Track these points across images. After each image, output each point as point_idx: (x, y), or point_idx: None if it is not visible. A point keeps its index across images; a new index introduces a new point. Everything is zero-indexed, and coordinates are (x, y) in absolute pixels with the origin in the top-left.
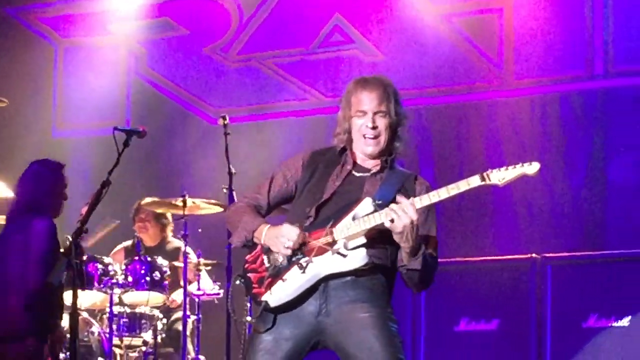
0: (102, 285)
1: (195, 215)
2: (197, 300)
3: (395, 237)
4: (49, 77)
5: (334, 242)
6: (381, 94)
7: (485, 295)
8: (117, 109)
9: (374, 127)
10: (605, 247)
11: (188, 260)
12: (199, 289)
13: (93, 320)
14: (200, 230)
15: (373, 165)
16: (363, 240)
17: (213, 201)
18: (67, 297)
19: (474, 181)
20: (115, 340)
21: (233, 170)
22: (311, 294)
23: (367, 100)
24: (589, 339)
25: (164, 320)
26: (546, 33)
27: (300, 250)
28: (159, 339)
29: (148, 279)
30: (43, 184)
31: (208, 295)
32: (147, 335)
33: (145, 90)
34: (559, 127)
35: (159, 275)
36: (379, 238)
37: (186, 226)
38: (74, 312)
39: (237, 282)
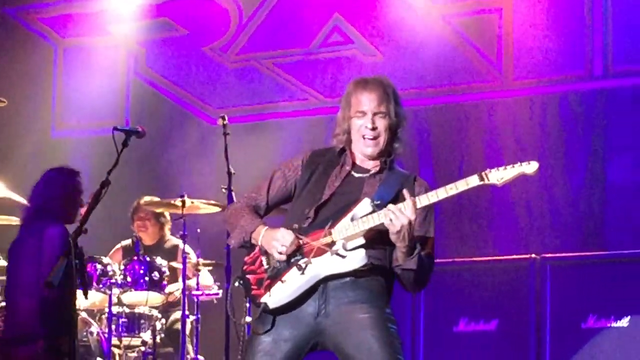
0: (101, 286)
1: (194, 215)
2: (196, 300)
3: (392, 237)
4: (48, 77)
5: (333, 243)
6: (381, 94)
7: (485, 296)
8: (116, 109)
9: (374, 128)
10: (605, 247)
11: (187, 260)
12: (198, 289)
13: (92, 321)
14: (199, 230)
15: (372, 166)
16: (362, 241)
17: (212, 201)
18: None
19: (473, 181)
20: (114, 341)
21: (232, 171)
22: (310, 295)
23: (367, 101)
24: (588, 340)
25: (163, 321)
26: (545, 33)
27: (299, 251)
28: (157, 339)
29: (147, 279)
30: (56, 190)
31: (207, 295)
32: (146, 336)
33: (145, 91)
34: (558, 127)
35: (157, 275)
36: (378, 239)
37: (185, 226)
38: (73, 311)
39: (236, 283)
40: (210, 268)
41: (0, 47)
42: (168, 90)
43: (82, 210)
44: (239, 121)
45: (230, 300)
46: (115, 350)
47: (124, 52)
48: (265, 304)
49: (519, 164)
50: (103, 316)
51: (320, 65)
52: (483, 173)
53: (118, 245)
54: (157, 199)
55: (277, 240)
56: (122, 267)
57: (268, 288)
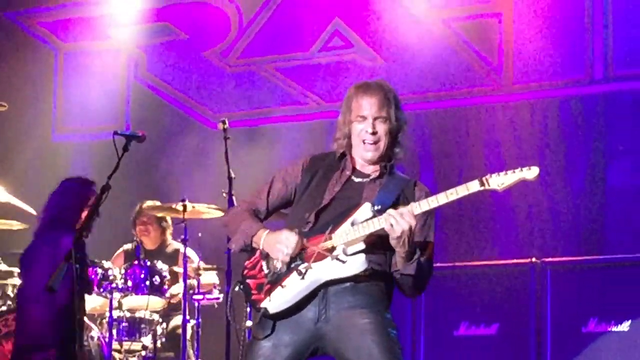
0: (101, 290)
1: (195, 219)
2: (196, 304)
3: (392, 242)
4: (49, 81)
5: (333, 247)
6: (382, 99)
7: (485, 300)
8: (116, 114)
9: (374, 133)
10: (605, 251)
11: (189, 264)
12: (199, 292)
13: (93, 325)
14: (200, 234)
15: (372, 170)
16: (362, 246)
17: (213, 206)
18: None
19: (473, 186)
20: (115, 345)
21: (233, 175)
22: (310, 300)
23: (368, 105)
24: (589, 344)
25: (164, 325)
26: (545, 37)
27: (300, 256)
28: (158, 343)
29: (148, 283)
30: (71, 199)
31: (208, 299)
32: (147, 340)
33: (145, 95)
34: (558, 131)
35: (158, 279)
36: (378, 244)
37: (186, 230)
38: (74, 316)
39: (237, 288)
40: (216, 272)
41: (0, 51)
42: (168, 95)
43: (83, 215)
44: (240, 125)
45: (231, 305)
46: (116, 355)
47: (125, 56)
48: (265, 308)
49: (519, 169)
50: (104, 320)
51: (321, 70)
52: (484, 178)
53: (120, 250)
54: (159, 203)
55: (280, 242)
56: (123, 271)
57: (268, 293)
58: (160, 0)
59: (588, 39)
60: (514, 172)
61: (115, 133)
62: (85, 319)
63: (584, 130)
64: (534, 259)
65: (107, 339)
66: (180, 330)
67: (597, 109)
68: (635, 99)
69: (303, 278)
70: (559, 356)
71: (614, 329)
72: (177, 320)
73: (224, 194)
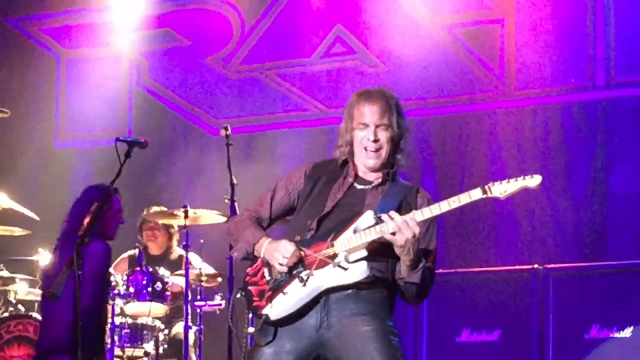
0: None
1: (197, 226)
2: (198, 311)
3: (397, 250)
4: (51, 87)
5: (335, 255)
6: (383, 106)
7: (487, 306)
8: (118, 120)
9: (376, 140)
10: (607, 257)
11: (191, 269)
12: (201, 299)
13: None
14: (202, 241)
15: (374, 177)
16: (364, 253)
17: (215, 212)
18: None
19: (476, 194)
20: (117, 351)
21: (235, 181)
22: (312, 307)
23: (369, 112)
24: (591, 350)
25: (166, 331)
26: (548, 43)
27: (301, 263)
28: (160, 350)
29: (150, 289)
30: (91, 206)
31: (210, 306)
32: (149, 346)
33: (147, 101)
34: (560, 137)
35: (160, 286)
36: (380, 251)
37: (188, 237)
38: (76, 322)
39: (238, 295)
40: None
41: (2, 58)
42: (170, 101)
43: (85, 221)
44: (242, 132)
45: (233, 312)
46: None
47: (126, 63)
48: (267, 315)
49: (522, 177)
50: (106, 327)
51: (323, 76)
52: (486, 186)
53: (124, 255)
54: (165, 209)
55: (278, 251)
56: (125, 277)
57: (270, 300)
58: (162, 7)
59: (590, 45)
60: (517, 180)
61: (117, 139)
62: None
63: (585, 136)
64: (536, 265)
65: (109, 346)
66: (182, 337)
67: (599, 115)
68: (636, 105)
69: (305, 285)
70: None
71: (616, 335)
72: (179, 326)
73: (226, 201)
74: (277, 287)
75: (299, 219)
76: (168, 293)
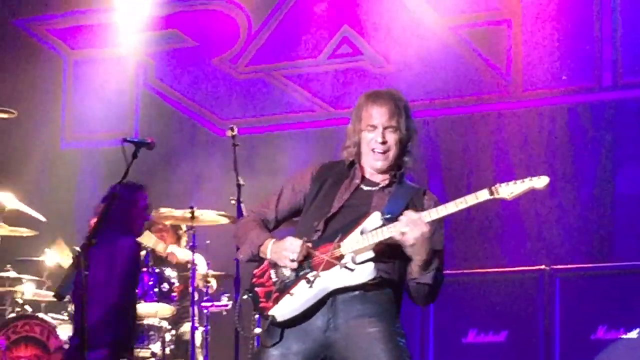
0: None
1: (203, 226)
2: (205, 311)
3: (407, 251)
4: (58, 88)
5: (342, 256)
6: (392, 108)
7: (494, 307)
8: (125, 121)
9: (384, 142)
10: (614, 258)
11: (197, 270)
12: (208, 300)
13: None
14: (208, 241)
15: (382, 179)
16: (371, 254)
17: (222, 213)
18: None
19: (483, 195)
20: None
21: (241, 182)
22: (319, 308)
23: (378, 114)
24: (598, 351)
25: (173, 332)
26: (554, 45)
27: (308, 264)
28: (167, 350)
29: (156, 290)
30: (118, 204)
31: (216, 307)
32: (156, 347)
33: (154, 102)
34: (567, 138)
35: (167, 286)
36: (387, 252)
37: (194, 238)
38: (82, 323)
39: (245, 296)
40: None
41: (10, 58)
42: (177, 102)
43: (92, 222)
44: (248, 132)
45: (239, 313)
46: None
47: (133, 63)
48: (273, 316)
49: (529, 178)
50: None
51: (329, 77)
52: (493, 187)
53: None
54: (175, 211)
55: (286, 249)
56: None
57: (276, 301)
58: (169, 8)
59: (597, 46)
60: (524, 181)
61: (124, 140)
62: None
63: (592, 137)
64: (543, 267)
65: None
66: (189, 337)
67: (606, 116)
68: None
69: (311, 286)
70: None
71: (623, 336)
72: (185, 327)
73: (233, 201)
74: (284, 288)
75: (306, 220)
76: (175, 294)
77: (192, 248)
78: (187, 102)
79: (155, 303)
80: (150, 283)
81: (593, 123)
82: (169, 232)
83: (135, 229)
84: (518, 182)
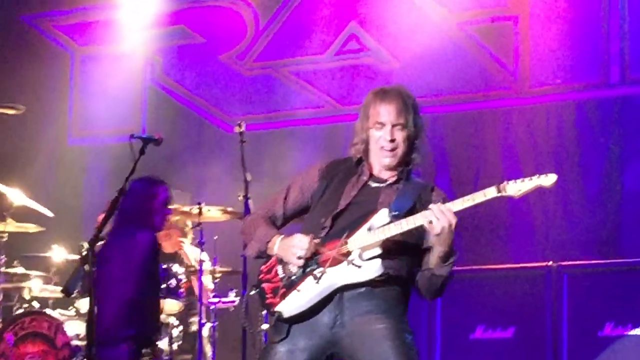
0: None
1: (211, 223)
2: (212, 307)
3: (432, 240)
4: (65, 84)
5: (349, 252)
6: (400, 106)
7: (501, 304)
8: (132, 117)
9: (392, 140)
10: (622, 255)
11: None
12: (215, 295)
13: None
14: (215, 237)
15: (389, 176)
16: (378, 251)
17: (229, 209)
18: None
19: (490, 193)
20: None
21: (249, 178)
22: (326, 304)
23: (386, 112)
24: (606, 347)
25: (180, 328)
26: (561, 41)
27: (315, 260)
28: (175, 346)
29: (164, 286)
30: (136, 199)
31: (224, 303)
32: (163, 343)
33: (161, 98)
34: (574, 134)
35: (174, 282)
36: (394, 249)
37: (202, 234)
38: (90, 319)
39: (252, 292)
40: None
41: (17, 54)
42: (184, 98)
43: (100, 218)
44: (256, 129)
45: (246, 309)
46: None
47: (141, 60)
48: (280, 312)
49: (537, 176)
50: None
51: (337, 73)
52: (500, 185)
53: None
54: (182, 207)
55: (294, 246)
56: None
57: (283, 297)
58: (176, 4)
59: (604, 42)
60: (531, 179)
61: (132, 136)
62: None
63: (600, 133)
64: (550, 263)
65: None
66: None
67: (613, 113)
68: None
69: (318, 283)
70: None
71: (631, 332)
72: (195, 323)
73: (240, 198)
74: (291, 284)
75: (313, 217)
76: (182, 290)
77: (200, 244)
78: (194, 98)
79: (163, 299)
80: None
81: (600, 119)
82: (175, 230)
83: (155, 223)
84: (526, 180)
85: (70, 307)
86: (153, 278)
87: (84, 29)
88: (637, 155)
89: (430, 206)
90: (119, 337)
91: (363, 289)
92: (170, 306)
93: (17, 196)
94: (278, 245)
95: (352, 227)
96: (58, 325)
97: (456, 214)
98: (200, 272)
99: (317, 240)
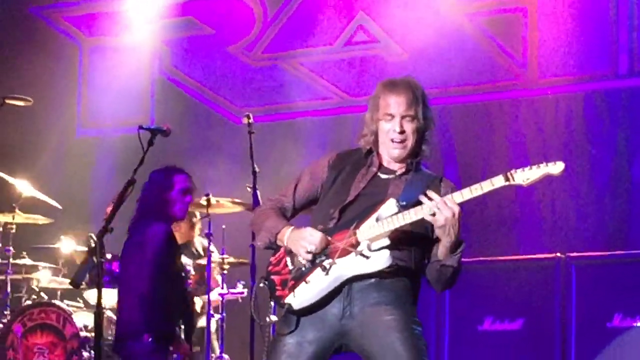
0: None
1: (219, 214)
2: (221, 299)
3: (437, 232)
4: (73, 76)
5: (358, 243)
6: (409, 97)
7: (510, 295)
8: (141, 108)
9: (402, 132)
10: (630, 246)
11: (213, 258)
12: (222, 288)
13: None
14: (224, 227)
15: (399, 167)
16: (387, 242)
17: (237, 200)
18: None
19: (498, 181)
20: None
21: (257, 169)
22: (335, 296)
23: (395, 104)
24: (614, 339)
25: None
26: (570, 32)
27: (324, 252)
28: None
29: None
30: (153, 190)
31: (232, 294)
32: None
33: (169, 90)
34: (583, 126)
35: (183, 274)
36: (403, 240)
37: (210, 225)
38: (99, 310)
39: (261, 284)
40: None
41: (25, 46)
42: (193, 89)
43: (108, 209)
44: (264, 120)
45: (255, 301)
46: None
47: (149, 51)
48: (290, 304)
49: (544, 164)
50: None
51: (345, 64)
52: (508, 173)
53: None
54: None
55: (304, 239)
56: None
57: (292, 289)
58: None
59: (613, 33)
60: (539, 167)
61: (140, 127)
62: (110, 313)
63: (608, 124)
64: (558, 254)
65: None
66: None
67: (622, 104)
68: None
69: (327, 274)
70: (583, 351)
71: (639, 324)
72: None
73: (248, 189)
74: (300, 276)
75: (322, 208)
76: (190, 281)
77: (208, 236)
78: (202, 89)
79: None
80: None
81: (609, 110)
82: (183, 221)
83: (173, 213)
84: (533, 167)
85: (79, 299)
86: (168, 272)
87: (92, 20)
88: None
89: (433, 196)
90: (139, 331)
91: (372, 280)
92: None
93: (25, 188)
94: (288, 236)
95: (361, 218)
96: (67, 317)
97: (464, 203)
98: (208, 263)
99: (328, 237)
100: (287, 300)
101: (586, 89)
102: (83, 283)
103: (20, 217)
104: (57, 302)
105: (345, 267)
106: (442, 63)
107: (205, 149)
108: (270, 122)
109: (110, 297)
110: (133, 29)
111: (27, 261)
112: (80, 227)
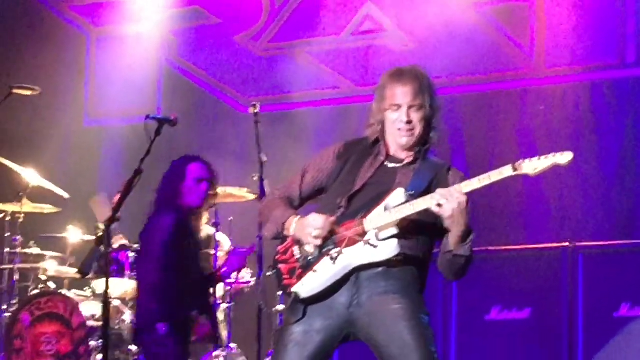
0: (133, 273)
1: (226, 203)
2: (228, 288)
3: (446, 223)
4: (81, 65)
5: (365, 232)
6: (416, 87)
7: (517, 284)
8: (148, 98)
9: (409, 122)
10: (638, 236)
11: (220, 248)
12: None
13: (124, 309)
14: (231, 218)
15: (406, 156)
16: (395, 231)
17: (244, 190)
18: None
19: (506, 171)
20: None
21: (264, 159)
22: (342, 285)
23: (402, 94)
24: (621, 328)
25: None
26: (578, 21)
27: (331, 241)
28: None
29: None
30: (169, 179)
31: (240, 283)
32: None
33: (177, 79)
34: (591, 115)
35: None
36: (411, 229)
37: (217, 214)
38: (106, 300)
39: (269, 273)
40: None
41: (33, 36)
42: (200, 79)
43: (115, 199)
44: (271, 109)
45: (263, 290)
46: None
47: (156, 41)
48: (297, 293)
49: (552, 154)
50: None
51: (352, 54)
52: (516, 163)
53: None
54: None
55: (309, 225)
56: None
57: (300, 278)
58: None
59: (620, 22)
60: (547, 157)
61: (147, 117)
62: (118, 302)
63: (616, 114)
64: (566, 243)
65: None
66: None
67: (630, 93)
68: None
69: (335, 263)
70: (591, 340)
71: None
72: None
73: (255, 178)
74: (308, 265)
75: (329, 197)
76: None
77: (215, 225)
78: (209, 79)
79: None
80: None
81: (616, 99)
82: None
83: (188, 202)
84: (542, 157)
85: (86, 288)
86: (177, 261)
87: (100, 10)
88: None
89: (438, 190)
90: (153, 321)
91: (380, 269)
92: None
93: (33, 177)
94: (294, 225)
95: (368, 207)
96: (74, 306)
97: (472, 193)
98: (215, 252)
99: (332, 219)
100: (295, 289)
101: (593, 78)
102: (90, 272)
103: (28, 207)
104: (64, 291)
105: (353, 256)
106: (449, 52)
107: (212, 138)
108: (277, 112)
109: (117, 286)
110: (140, 19)
111: (35, 250)
112: (88, 216)
